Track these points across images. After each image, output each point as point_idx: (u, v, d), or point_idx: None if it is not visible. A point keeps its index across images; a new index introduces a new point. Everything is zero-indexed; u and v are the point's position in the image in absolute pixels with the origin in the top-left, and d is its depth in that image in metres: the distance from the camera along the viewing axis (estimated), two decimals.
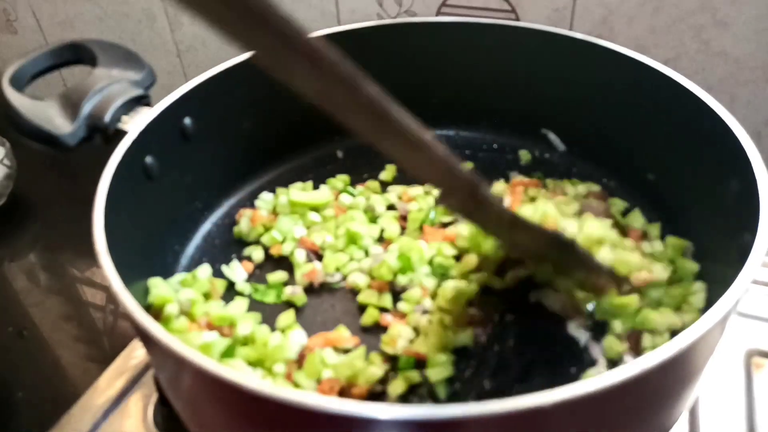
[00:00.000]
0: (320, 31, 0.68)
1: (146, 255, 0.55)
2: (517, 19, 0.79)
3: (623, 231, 0.58)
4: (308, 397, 0.31)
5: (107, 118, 0.58)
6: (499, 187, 0.66)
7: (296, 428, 0.34)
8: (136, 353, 0.61)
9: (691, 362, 0.39)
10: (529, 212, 0.58)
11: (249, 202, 0.68)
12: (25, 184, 0.86)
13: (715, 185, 0.51)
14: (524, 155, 0.72)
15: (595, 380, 0.31)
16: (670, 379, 0.38)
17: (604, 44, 0.62)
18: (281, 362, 0.49)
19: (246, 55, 0.65)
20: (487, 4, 0.79)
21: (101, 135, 0.59)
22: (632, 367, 0.32)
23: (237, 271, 0.59)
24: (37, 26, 1.15)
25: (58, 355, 0.67)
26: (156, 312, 0.52)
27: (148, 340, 0.38)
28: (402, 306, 0.54)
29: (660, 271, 0.52)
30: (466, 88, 0.72)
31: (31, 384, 0.63)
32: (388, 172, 0.71)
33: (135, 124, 0.55)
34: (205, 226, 0.66)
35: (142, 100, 0.61)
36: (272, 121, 0.69)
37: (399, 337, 0.51)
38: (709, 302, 0.49)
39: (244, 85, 0.65)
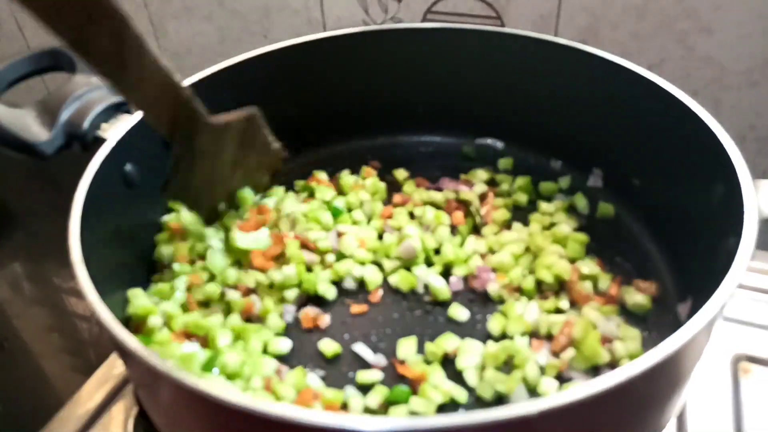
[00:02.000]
0: (306, 37, 0.68)
1: (126, 264, 0.54)
2: (503, 26, 0.79)
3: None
4: (291, 410, 0.31)
5: (86, 125, 0.57)
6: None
7: None
8: (118, 363, 0.59)
9: (678, 368, 0.38)
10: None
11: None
12: (7, 193, 0.85)
13: (700, 190, 0.51)
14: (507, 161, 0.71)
15: (582, 388, 0.31)
16: (658, 385, 0.37)
17: (589, 50, 0.62)
18: (259, 376, 0.48)
19: (230, 62, 0.64)
20: (472, 10, 0.79)
21: (79, 143, 0.58)
22: (619, 374, 0.32)
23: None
24: (19, 33, 1.14)
25: (40, 366, 0.66)
26: (137, 323, 0.51)
27: (126, 354, 0.37)
28: None
29: None
30: (451, 94, 0.72)
31: (12, 395, 0.62)
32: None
33: (114, 131, 0.54)
34: None
35: (122, 107, 0.60)
36: None
37: None
38: (695, 307, 0.49)
39: (226, 92, 0.64)
